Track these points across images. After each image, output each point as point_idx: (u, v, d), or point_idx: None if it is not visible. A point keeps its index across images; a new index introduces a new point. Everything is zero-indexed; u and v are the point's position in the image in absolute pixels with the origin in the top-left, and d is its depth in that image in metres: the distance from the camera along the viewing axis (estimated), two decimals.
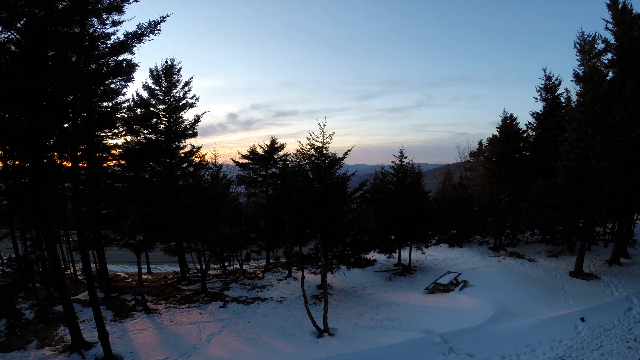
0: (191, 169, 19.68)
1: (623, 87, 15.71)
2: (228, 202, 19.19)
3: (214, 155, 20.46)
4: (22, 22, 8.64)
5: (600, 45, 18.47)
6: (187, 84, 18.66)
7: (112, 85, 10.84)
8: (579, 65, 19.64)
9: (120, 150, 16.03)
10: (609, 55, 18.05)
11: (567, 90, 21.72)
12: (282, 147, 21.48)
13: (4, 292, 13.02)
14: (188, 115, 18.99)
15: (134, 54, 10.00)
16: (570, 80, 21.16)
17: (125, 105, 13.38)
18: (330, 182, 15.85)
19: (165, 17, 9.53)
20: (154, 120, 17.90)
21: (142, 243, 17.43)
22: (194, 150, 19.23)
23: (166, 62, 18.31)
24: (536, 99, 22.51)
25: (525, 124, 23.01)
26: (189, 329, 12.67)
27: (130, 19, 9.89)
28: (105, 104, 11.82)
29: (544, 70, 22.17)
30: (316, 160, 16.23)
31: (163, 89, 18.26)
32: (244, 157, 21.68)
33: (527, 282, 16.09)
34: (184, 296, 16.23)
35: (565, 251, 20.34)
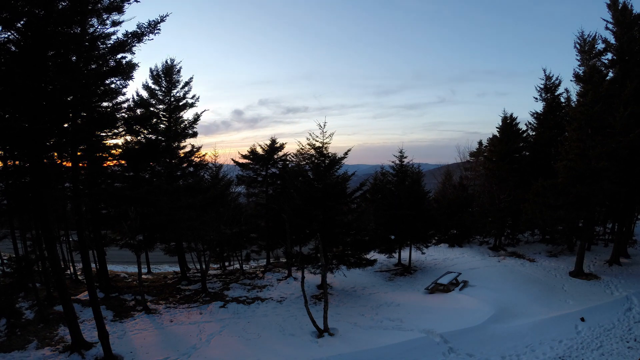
0: (191, 169, 19.68)
1: (623, 87, 15.71)
2: (228, 202, 19.18)
3: (214, 155, 20.49)
4: (22, 22, 8.64)
5: (600, 45, 18.51)
6: (187, 84, 18.66)
7: (112, 85, 10.85)
8: (579, 65, 19.66)
9: (120, 150, 16.03)
10: (609, 55, 18.07)
11: (567, 90, 21.75)
12: (282, 147, 21.50)
13: (4, 292, 13.02)
14: (188, 115, 19.00)
15: (134, 53, 10.02)
16: (570, 80, 21.19)
17: (125, 105, 13.35)
18: (330, 182, 15.84)
19: (165, 17, 9.54)
20: (154, 120, 17.90)
21: (142, 243, 17.43)
22: (194, 150, 19.24)
23: (166, 62, 18.32)
24: (536, 99, 22.52)
25: (525, 124, 23.03)
26: (189, 329, 12.67)
27: (130, 19, 9.89)
28: (105, 104, 11.80)
29: (544, 70, 22.19)
30: (316, 160, 16.23)
31: (163, 89, 18.25)
32: (244, 157, 21.69)
33: (527, 282, 16.09)
34: (184, 296, 16.23)
35: (565, 251, 20.34)
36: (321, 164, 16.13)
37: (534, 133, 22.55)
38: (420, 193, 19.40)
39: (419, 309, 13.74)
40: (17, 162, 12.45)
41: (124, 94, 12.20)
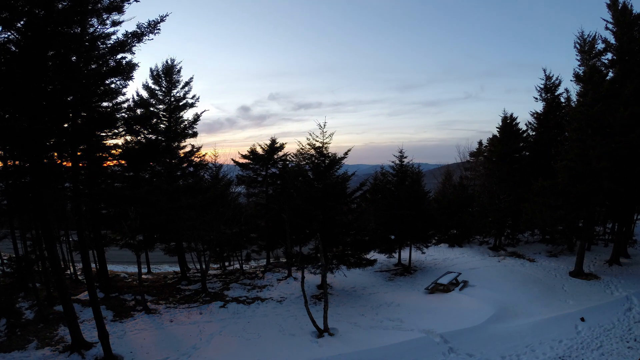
0: (191, 169, 19.69)
1: (623, 87, 15.70)
2: (228, 202, 19.17)
3: (214, 155, 20.48)
4: (22, 22, 8.64)
5: (600, 45, 18.48)
6: (187, 84, 18.68)
7: (112, 85, 10.86)
8: (579, 65, 19.65)
9: (120, 150, 16.02)
10: (609, 55, 18.04)
11: (567, 90, 21.74)
12: (282, 147, 21.50)
13: (4, 292, 13.04)
14: (188, 115, 18.99)
15: (134, 53, 10.04)
16: (570, 80, 21.17)
17: (125, 105, 13.37)
18: (330, 182, 15.84)
19: (165, 17, 9.56)
20: (154, 120, 17.91)
21: (142, 243, 17.43)
22: (194, 150, 19.25)
23: (166, 62, 18.34)
24: (536, 99, 22.51)
25: (525, 124, 23.01)
26: (189, 329, 12.66)
27: (130, 19, 9.90)
28: (105, 104, 11.82)
29: (544, 70, 22.19)
30: (316, 160, 16.23)
31: (163, 89, 18.26)
32: (244, 157, 21.70)
33: (527, 282, 16.09)
34: (184, 296, 16.23)
35: (565, 251, 20.34)
36: (321, 164, 16.13)
37: (534, 133, 22.55)
38: (420, 193, 19.40)
39: (419, 309, 13.73)
40: (17, 162, 12.45)
41: (124, 94, 12.23)
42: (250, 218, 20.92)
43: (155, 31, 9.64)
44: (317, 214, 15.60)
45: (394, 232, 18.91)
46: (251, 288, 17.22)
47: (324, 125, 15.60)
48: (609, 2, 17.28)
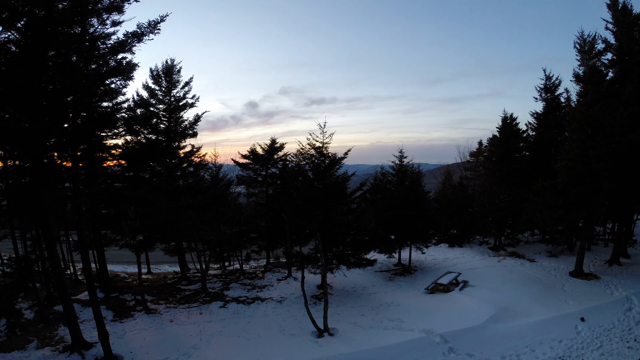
0: (191, 169, 19.69)
1: (623, 87, 15.69)
2: (228, 202, 19.18)
3: (214, 155, 20.49)
4: (22, 22, 8.64)
5: (600, 45, 18.47)
6: (187, 84, 18.69)
7: (112, 85, 10.87)
8: (579, 65, 19.65)
9: (120, 150, 16.02)
10: (609, 55, 18.04)
11: (567, 90, 21.73)
12: (282, 147, 21.51)
13: (4, 292, 13.03)
14: (188, 115, 19.01)
15: (134, 53, 10.06)
16: (570, 80, 21.16)
17: (125, 105, 13.40)
18: (330, 182, 15.85)
19: (165, 17, 9.57)
20: (154, 120, 17.92)
21: (142, 243, 17.43)
22: (194, 150, 19.26)
23: (166, 62, 18.35)
24: (536, 99, 22.51)
25: (525, 124, 23.01)
26: (189, 329, 12.67)
27: (130, 19, 9.91)
28: (105, 104, 11.85)
29: (544, 70, 22.19)
30: (316, 160, 16.23)
31: (163, 89, 18.27)
32: (244, 157, 21.70)
33: (527, 282, 16.09)
34: (184, 296, 16.23)
35: (565, 251, 20.34)
36: (321, 164, 16.14)
37: (534, 133, 22.55)
38: (420, 193, 19.40)
39: (419, 309, 13.73)
40: (17, 162, 12.45)
41: (124, 94, 12.25)
42: (250, 218, 20.93)
43: (156, 31, 9.65)
44: (317, 214, 15.60)
45: (394, 232, 18.91)
46: (251, 288, 17.22)
47: (324, 125, 15.64)
48: (609, 2, 17.28)
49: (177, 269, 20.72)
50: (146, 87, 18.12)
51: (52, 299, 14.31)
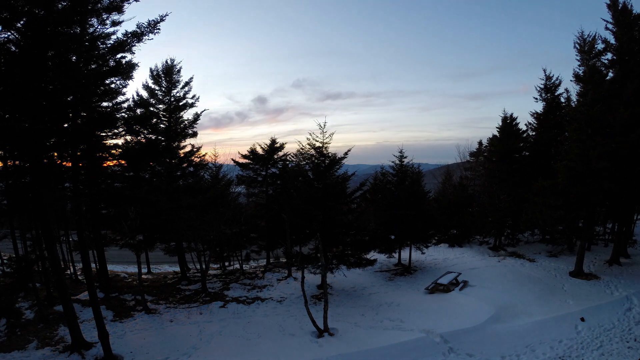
0: (191, 169, 19.69)
1: (623, 87, 15.70)
2: (228, 202, 19.19)
3: (214, 155, 20.49)
4: (22, 22, 8.65)
5: (600, 45, 18.45)
6: (187, 83, 18.69)
7: (112, 85, 10.88)
8: (579, 65, 19.65)
9: (120, 150, 16.02)
10: (609, 55, 18.02)
11: (567, 90, 21.72)
12: (282, 147, 21.51)
13: (4, 292, 13.03)
14: (188, 115, 19.02)
15: (134, 53, 10.07)
16: (570, 80, 21.13)
17: (125, 105, 13.40)
18: (330, 182, 15.85)
19: (165, 16, 9.58)
20: (154, 120, 17.93)
21: (142, 243, 17.43)
22: (194, 150, 19.26)
23: (166, 62, 18.35)
24: (536, 99, 22.50)
25: (525, 124, 23.00)
26: (189, 329, 12.67)
27: (130, 19, 9.91)
28: (105, 104, 11.85)
29: (544, 70, 22.18)
30: (316, 160, 16.23)
31: (163, 89, 18.27)
32: (244, 157, 21.70)
33: (527, 282, 16.08)
34: (184, 296, 16.23)
35: (565, 251, 20.33)
36: (321, 164, 16.14)
37: (534, 133, 22.54)
38: (420, 193, 19.39)
39: (419, 309, 13.73)
40: (17, 162, 12.45)
41: (124, 94, 12.27)
42: (250, 218, 20.93)
43: (155, 31, 9.66)
44: (317, 214, 15.60)
45: (394, 232, 18.91)
46: (251, 288, 17.22)
47: (324, 125, 15.63)
48: (609, 2, 17.27)
49: (177, 269, 20.72)
50: (146, 87, 18.13)
51: (52, 299, 14.31)
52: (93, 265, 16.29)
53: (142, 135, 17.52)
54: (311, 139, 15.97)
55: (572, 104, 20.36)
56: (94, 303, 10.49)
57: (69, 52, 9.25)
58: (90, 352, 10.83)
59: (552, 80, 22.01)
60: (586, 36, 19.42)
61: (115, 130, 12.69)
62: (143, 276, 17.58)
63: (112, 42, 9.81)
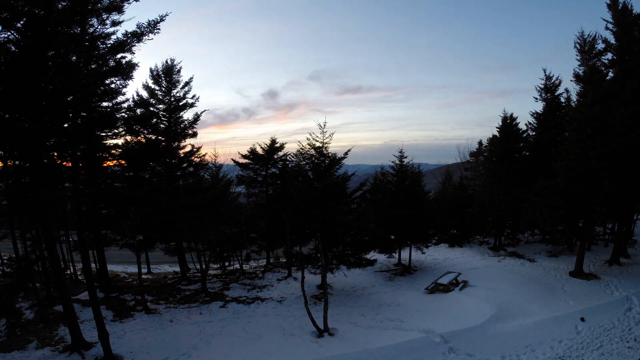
0: (191, 169, 19.70)
1: (623, 87, 15.69)
2: (228, 202, 19.19)
3: (214, 155, 20.50)
4: (22, 22, 8.65)
5: (600, 45, 18.48)
6: (187, 83, 18.69)
7: (112, 85, 10.89)
8: (579, 65, 19.66)
9: (120, 150, 16.04)
10: (609, 55, 18.04)
11: (567, 90, 21.74)
12: (282, 147, 21.52)
13: (4, 292, 13.02)
14: (188, 115, 19.06)
15: (134, 53, 10.09)
16: (570, 80, 21.16)
17: (125, 105, 13.42)
18: (330, 182, 15.85)
19: (165, 16, 9.58)
20: (154, 120, 17.93)
21: (142, 243, 17.42)
22: (194, 150, 19.27)
23: (166, 62, 18.36)
24: (536, 99, 22.51)
25: (525, 124, 22.99)
26: (189, 329, 12.67)
27: (130, 19, 9.92)
28: (105, 104, 11.86)
29: (544, 70, 22.19)
30: (316, 160, 16.23)
31: (163, 89, 18.27)
32: (244, 157, 21.71)
33: (527, 282, 16.09)
34: (184, 296, 16.23)
35: (565, 251, 20.34)
36: (321, 164, 16.14)
37: (534, 133, 22.54)
38: (420, 193, 19.40)
39: (419, 309, 13.74)
40: (17, 162, 12.45)
41: (124, 94, 12.28)
42: (250, 218, 20.93)
43: (155, 31, 9.67)
44: (317, 214, 15.59)
45: (394, 232, 18.91)
46: (251, 288, 17.22)
47: (324, 125, 15.62)
48: (609, 2, 17.28)
49: (177, 269, 20.72)
50: (146, 87, 18.13)
51: (52, 299, 14.31)
52: (93, 265, 16.29)
53: (142, 135, 17.53)
54: (311, 139, 15.98)
55: (572, 104, 20.38)
56: (94, 303, 10.49)
57: (69, 52, 9.25)
58: (90, 352, 10.83)
59: (552, 80, 22.02)
60: (586, 36, 19.44)
61: (115, 130, 12.72)
62: (143, 276, 17.58)
63: (112, 42, 9.83)
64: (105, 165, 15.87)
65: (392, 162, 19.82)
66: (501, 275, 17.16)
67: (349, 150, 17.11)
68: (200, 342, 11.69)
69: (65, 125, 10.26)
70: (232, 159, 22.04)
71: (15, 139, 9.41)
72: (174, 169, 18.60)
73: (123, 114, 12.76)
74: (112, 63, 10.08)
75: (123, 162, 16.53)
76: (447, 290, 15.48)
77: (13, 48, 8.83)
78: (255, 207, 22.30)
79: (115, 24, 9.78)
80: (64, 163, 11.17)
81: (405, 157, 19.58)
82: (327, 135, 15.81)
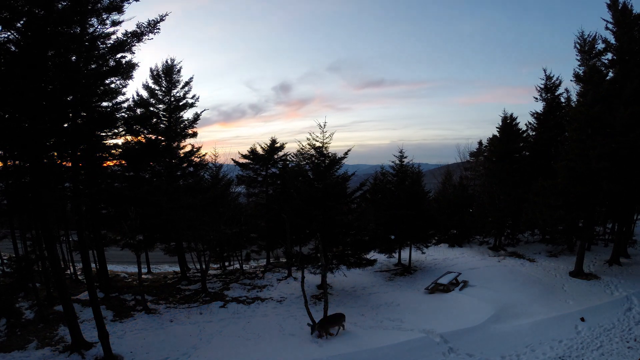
0: (191, 169, 19.71)
1: (623, 87, 15.69)
2: (228, 202, 19.19)
3: (214, 155, 20.50)
4: (22, 22, 8.65)
5: (600, 45, 18.48)
6: (187, 83, 18.70)
7: (112, 85, 10.90)
8: (579, 65, 19.66)
9: (120, 150, 16.04)
10: (609, 55, 18.03)
11: (567, 90, 21.73)
12: (282, 147, 21.54)
13: (4, 292, 13.03)
14: (188, 115, 19.04)
15: (134, 53, 10.08)
16: (570, 80, 21.16)
17: (125, 105, 13.42)
18: (330, 182, 15.85)
19: (165, 16, 9.59)
20: (154, 120, 17.94)
21: (142, 243, 17.42)
22: (194, 150, 19.27)
23: (166, 62, 18.36)
24: (536, 99, 22.51)
25: (525, 124, 22.98)
26: (189, 329, 12.67)
27: (130, 19, 9.92)
28: (105, 103, 11.87)
29: (544, 70, 22.19)
30: (316, 160, 16.23)
31: (163, 89, 18.27)
32: (244, 157, 21.71)
33: (527, 282, 16.09)
34: (184, 296, 16.23)
35: (565, 251, 20.33)
36: (321, 164, 16.14)
37: (534, 133, 22.54)
38: (420, 193, 19.40)
39: (419, 309, 13.74)
40: (17, 162, 12.45)
41: (123, 94, 12.30)
42: (250, 218, 20.93)
43: (155, 31, 9.67)
44: (317, 214, 15.60)
45: (394, 232, 18.91)
46: (251, 288, 17.22)
47: (324, 125, 15.62)
48: (609, 2, 17.27)
49: (177, 269, 20.72)
50: (146, 87, 18.13)
51: (52, 299, 14.31)
52: (93, 265, 16.29)
53: (142, 135, 17.53)
54: (311, 139, 15.98)
55: (572, 104, 20.37)
56: (94, 303, 10.49)
57: (69, 52, 9.26)
58: (90, 352, 10.83)
59: (552, 80, 22.03)
60: (586, 36, 19.44)
61: (115, 130, 12.72)
62: (143, 276, 17.57)
63: (112, 42, 9.82)
64: (105, 165, 15.87)
65: (392, 162, 19.83)
66: (501, 275, 17.16)
67: (348, 150, 17.14)
68: (200, 342, 11.69)
69: (65, 125, 10.26)
70: (232, 159, 22.06)
71: (15, 139, 9.41)
72: (174, 169, 18.60)
73: (123, 114, 12.77)
74: (112, 63, 10.08)
75: (123, 162, 16.53)
76: (447, 290, 15.48)
77: (13, 48, 8.83)
78: (255, 207, 22.31)
79: (115, 23, 9.79)
80: (64, 163, 11.17)
81: (405, 157, 19.59)
82: (327, 135, 15.82)
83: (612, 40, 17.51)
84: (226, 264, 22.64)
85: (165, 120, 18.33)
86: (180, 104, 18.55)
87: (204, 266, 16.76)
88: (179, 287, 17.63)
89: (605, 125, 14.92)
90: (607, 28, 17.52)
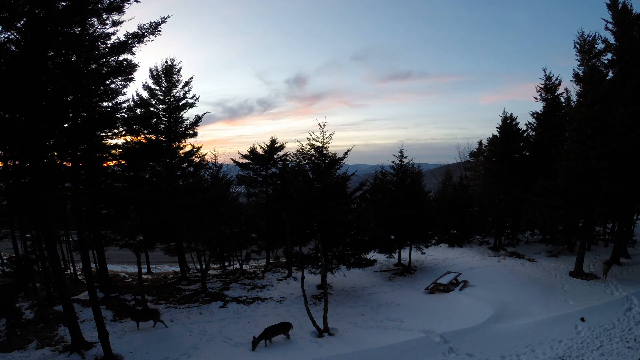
0: (191, 169, 19.72)
1: (623, 87, 15.69)
2: (228, 202, 19.20)
3: (214, 155, 20.51)
4: (22, 22, 8.65)
5: (600, 45, 18.47)
6: (187, 83, 18.72)
7: (112, 85, 10.89)
8: (579, 65, 19.65)
9: (120, 150, 16.04)
10: (609, 55, 18.02)
11: (567, 90, 21.72)
12: (282, 147, 21.55)
13: (4, 292, 13.04)
14: (188, 115, 19.05)
15: (135, 54, 10.06)
16: (570, 80, 21.17)
17: (125, 105, 13.41)
18: (330, 182, 15.85)
19: (166, 19, 9.57)
20: (154, 120, 17.95)
21: (142, 243, 17.44)
22: (194, 150, 19.28)
23: (166, 62, 18.38)
24: (536, 99, 22.51)
25: (525, 124, 22.98)
26: (189, 329, 12.67)
27: (130, 19, 9.91)
28: (105, 104, 11.87)
29: (544, 70, 22.19)
30: (316, 160, 16.23)
31: (163, 89, 18.29)
32: (244, 157, 21.73)
33: (527, 282, 16.09)
34: (184, 296, 16.23)
35: (565, 251, 20.33)
36: (321, 164, 16.13)
37: (534, 133, 22.54)
38: (420, 193, 19.40)
39: (419, 309, 13.74)
40: (17, 162, 12.45)
41: (124, 94, 12.27)
42: (250, 218, 20.94)
43: (156, 32, 9.66)
44: (317, 214, 15.59)
45: (394, 232, 18.91)
46: (251, 288, 17.22)
47: (324, 125, 15.61)
48: (609, 2, 17.27)
49: (177, 269, 20.73)
50: (146, 87, 18.14)
51: (52, 299, 14.31)
52: (93, 265, 16.29)
53: (142, 135, 17.54)
54: (311, 139, 15.97)
55: (572, 104, 20.36)
56: (94, 303, 10.49)
57: (69, 52, 9.25)
58: (90, 352, 10.83)
59: (552, 80, 22.03)
60: (586, 36, 19.44)
61: (115, 130, 12.71)
62: (143, 276, 17.58)
63: (112, 43, 9.83)
64: (105, 165, 15.87)
65: (392, 162, 19.83)
66: (501, 275, 17.16)
67: (348, 150, 17.13)
68: (200, 342, 11.69)
69: (65, 125, 10.26)
70: (232, 159, 22.07)
71: (15, 139, 9.41)
72: (174, 169, 18.62)
73: (123, 114, 12.75)
74: (112, 63, 10.08)
75: (123, 162, 16.54)
76: (447, 290, 15.48)
77: (13, 48, 8.83)
78: (255, 207, 22.31)
79: (115, 24, 9.78)
80: (64, 163, 11.16)
81: (405, 157, 19.60)
82: (327, 135, 15.82)
83: (612, 40, 17.51)
84: (226, 264, 22.64)
85: (165, 121, 18.34)
86: (180, 104, 18.57)
87: (204, 266, 16.77)
88: (179, 287, 17.63)
89: (605, 125, 14.92)
90: (607, 28, 17.53)
